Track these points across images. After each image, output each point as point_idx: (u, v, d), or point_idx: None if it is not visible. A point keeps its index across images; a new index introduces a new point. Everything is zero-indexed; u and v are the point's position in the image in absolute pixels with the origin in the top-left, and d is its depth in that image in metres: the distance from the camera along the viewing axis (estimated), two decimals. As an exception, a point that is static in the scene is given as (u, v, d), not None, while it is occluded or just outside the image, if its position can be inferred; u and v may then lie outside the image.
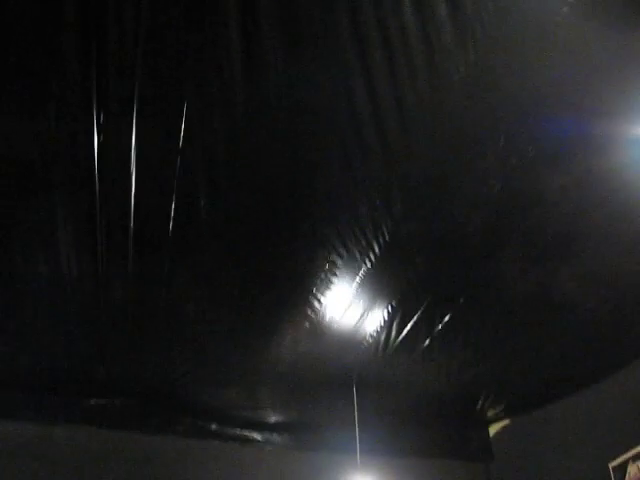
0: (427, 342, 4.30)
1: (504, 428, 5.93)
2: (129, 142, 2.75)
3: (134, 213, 3.12)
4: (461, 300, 3.93)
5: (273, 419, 5.47)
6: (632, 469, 4.32)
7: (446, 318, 4.06)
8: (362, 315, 4.03)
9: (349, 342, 4.27)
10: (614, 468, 4.47)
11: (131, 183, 2.95)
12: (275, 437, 5.54)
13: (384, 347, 4.34)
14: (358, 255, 3.46)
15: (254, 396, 5.08)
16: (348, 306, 3.91)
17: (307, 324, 4.04)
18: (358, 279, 3.68)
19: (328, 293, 3.77)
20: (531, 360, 4.68)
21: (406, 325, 4.12)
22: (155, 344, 4.29)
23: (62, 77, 2.48)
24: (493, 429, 6.04)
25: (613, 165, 3.00)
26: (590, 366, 4.75)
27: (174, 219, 3.16)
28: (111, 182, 2.95)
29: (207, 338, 4.22)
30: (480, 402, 5.49)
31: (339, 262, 3.49)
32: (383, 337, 4.24)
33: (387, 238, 3.33)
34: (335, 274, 3.60)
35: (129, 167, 2.87)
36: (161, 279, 3.62)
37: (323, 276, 3.61)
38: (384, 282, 3.74)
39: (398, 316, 4.04)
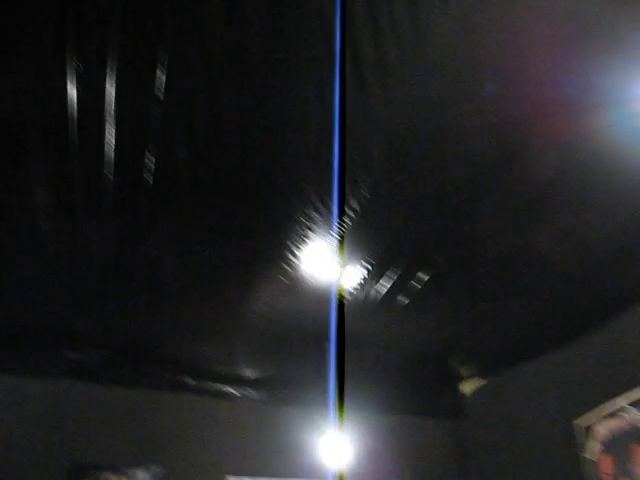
0: (404, 300, 4.31)
1: (477, 387, 6.02)
2: (107, 94, 2.68)
3: (113, 166, 3.06)
4: (439, 259, 3.94)
5: (249, 374, 5.49)
6: (600, 428, 4.41)
7: (424, 277, 4.07)
8: (340, 272, 4.02)
9: (326, 299, 4.27)
10: (582, 427, 4.57)
11: (109, 136, 2.89)
12: (251, 392, 5.57)
13: (361, 304, 4.36)
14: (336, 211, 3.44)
15: (230, 351, 5.08)
16: (325, 262, 3.90)
17: (284, 279, 4.03)
18: (336, 235, 3.66)
19: (305, 248, 3.75)
20: (505, 319, 4.72)
21: (384, 283, 4.12)
22: (132, 298, 4.27)
23: (37, 29, 2.40)
24: (466, 388, 6.13)
25: (592, 129, 3.00)
26: (562, 326, 4.81)
27: (152, 172, 3.12)
28: (89, 135, 2.88)
29: (184, 292, 4.21)
30: (454, 361, 5.56)
31: (316, 217, 3.47)
32: (361, 294, 4.25)
33: (366, 194, 3.31)
34: (312, 229, 3.57)
35: (107, 119, 2.81)
36: (138, 233, 3.58)
37: (300, 231, 3.59)
38: (362, 239, 3.73)
39: (376, 274, 4.04)
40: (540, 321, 4.74)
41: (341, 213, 3.45)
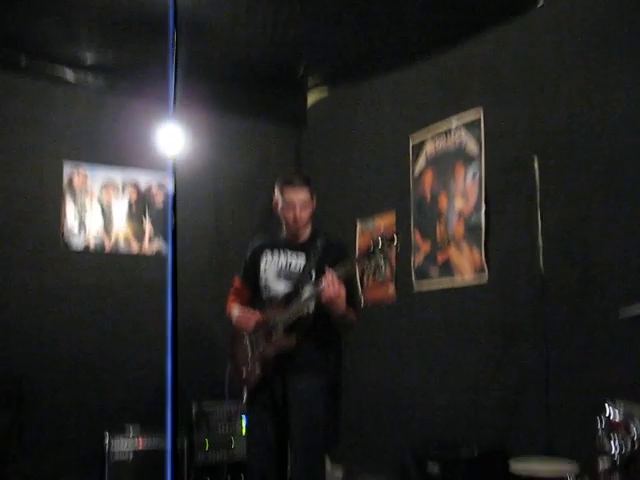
0: None
1: (320, 99, 6.12)
2: None
3: None
4: None
5: (88, 59, 5.15)
6: (429, 146, 4.72)
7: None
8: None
9: None
10: (414, 146, 4.86)
11: None
12: (90, 79, 5.31)
13: None
14: None
15: (69, 30, 4.69)
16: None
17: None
18: None
19: None
20: (357, 28, 4.63)
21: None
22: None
23: None
24: (310, 98, 6.22)
25: None
26: (408, 44, 4.83)
27: None
28: None
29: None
30: (301, 68, 5.51)
31: None
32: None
33: None
34: None
35: None
36: None
37: None
38: None
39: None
40: (393, 34, 4.70)
41: None
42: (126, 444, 4.58)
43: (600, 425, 1.93)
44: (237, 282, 3.47)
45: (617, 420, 1.86)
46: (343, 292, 2.96)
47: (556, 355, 3.68)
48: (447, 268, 4.45)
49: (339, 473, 5.05)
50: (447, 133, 4.52)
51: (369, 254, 2.98)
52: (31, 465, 4.66)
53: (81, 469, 4.83)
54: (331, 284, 2.91)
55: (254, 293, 3.37)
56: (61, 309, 5.07)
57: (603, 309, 3.47)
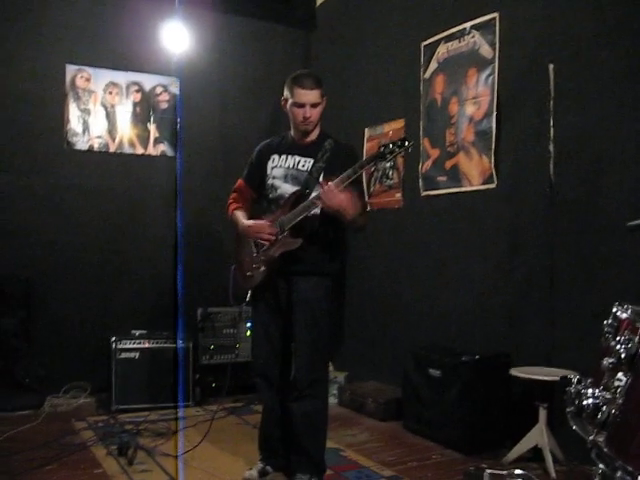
0: None
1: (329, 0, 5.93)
2: None
3: None
4: None
5: None
6: (441, 49, 4.56)
7: None
8: None
9: None
10: (425, 47, 4.71)
11: None
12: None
13: None
14: None
15: None
16: None
17: None
18: None
19: None
20: None
21: None
22: None
23: None
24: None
25: None
26: None
27: None
28: None
29: None
30: None
31: None
32: None
33: None
34: None
35: None
36: None
37: None
38: None
39: None
40: None
41: None
42: (132, 343, 4.66)
43: (606, 323, 1.93)
44: (240, 183, 3.42)
45: (624, 318, 1.86)
46: (346, 197, 2.91)
47: (562, 263, 3.68)
48: (455, 175, 4.39)
49: (341, 378, 5.16)
50: (460, 36, 4.36)
51: (378, 156, 2.92)
52: (38, 364, 4.77)
53: (89, 368, 4.94)
54: (330, 192, 2.87)
55: (258, 194, 3.34)
56: (66, 210, 5.07)
57: (611, 218, 3.43)
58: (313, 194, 3.05)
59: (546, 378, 3.33)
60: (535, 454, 3.48)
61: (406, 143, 2.91)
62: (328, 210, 2.95)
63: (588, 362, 2.22)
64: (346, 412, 4.75)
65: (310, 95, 3.10)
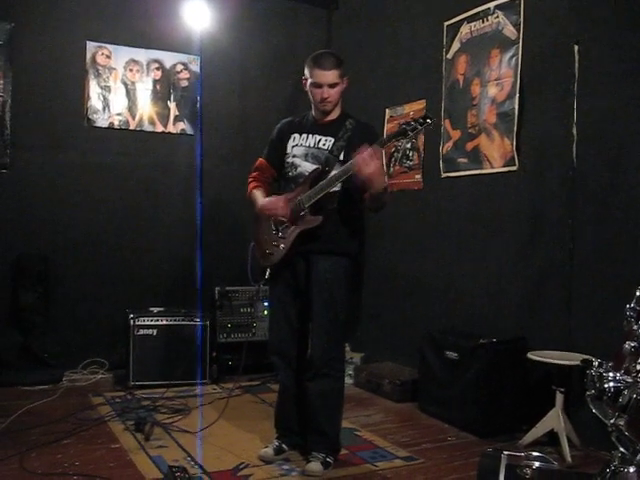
0: None
1: None
2: None
3: None
4: None
5: None
6: (464, 29, 4.50)
7: None
8: None
9: None
10: (448, 27, 4.65)
11: None
12: None
13: None
14: None
15: None
16: None
17: None
18: None
19: None
20: None
21: None
22: None
23: None
24: None
25: None
26: None
27: None
28: None
29: None
30: None
31: None
32: None
33: None
34: None
35: None
36: None
37: None
38: None
39: None
40: None
41: None
42: (150, 320, 4.68)
43: (629, 307, 1.90)
44: (261, 161, 3.40)
45: (647, 302, 1.83)
46: (378, 167, 2.88)
47: (583, 247, 3.64)
48: (476, 157, 4.34)
49: (357, 359, 5.17)
50: (484, 16, 4.30)
51: (400, 132, 2.90)
52: (57, 339, 4.82)
53: (107, 344, 4.98)
54: (368, 157, 2.83)
55: (279, 172, 3.32)
56: (85, 187, 5.08)
57: (634, 202, 3.38)
58: (333, 172, 3.03)
59: (564, 362, 3.31)
60: (550, 438, 3.47)
61: (428, 120, 2.90)
62: (358, 179, 2.90)
63: (606, 347, 2.21)
64: (362, 393, 4.76)
65: (328, 75, 3.08)
